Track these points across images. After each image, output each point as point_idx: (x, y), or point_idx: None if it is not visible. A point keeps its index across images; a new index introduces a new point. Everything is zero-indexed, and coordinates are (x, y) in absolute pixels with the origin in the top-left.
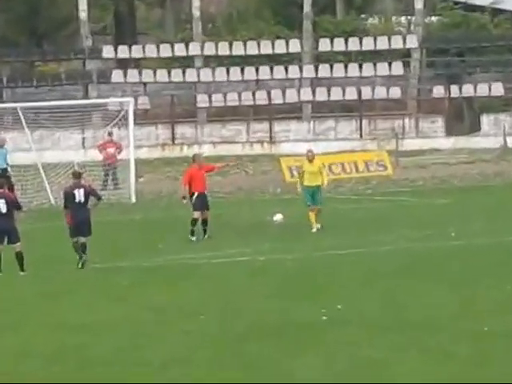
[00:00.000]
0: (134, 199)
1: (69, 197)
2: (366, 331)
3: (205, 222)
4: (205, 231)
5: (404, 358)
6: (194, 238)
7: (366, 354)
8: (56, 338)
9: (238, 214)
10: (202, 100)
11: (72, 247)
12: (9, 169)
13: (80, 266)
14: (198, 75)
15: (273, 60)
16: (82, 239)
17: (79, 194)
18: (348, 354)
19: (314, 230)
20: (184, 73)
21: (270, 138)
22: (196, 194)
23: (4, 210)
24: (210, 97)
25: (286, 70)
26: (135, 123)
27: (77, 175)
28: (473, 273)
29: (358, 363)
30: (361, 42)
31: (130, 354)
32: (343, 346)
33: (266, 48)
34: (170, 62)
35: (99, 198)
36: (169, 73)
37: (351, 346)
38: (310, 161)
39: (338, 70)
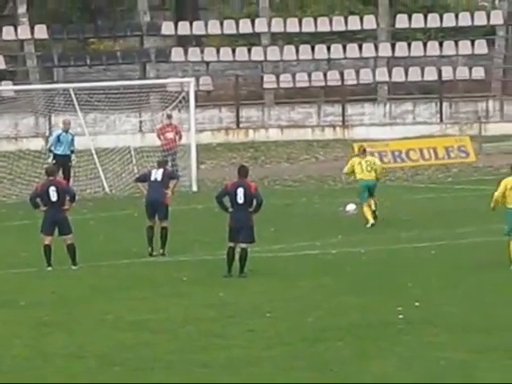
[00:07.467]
0: (195, 188)
1: (146, 174)
2: (446, 331)
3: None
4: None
5: (489, 360)
6: None
7: (446, 356)
8: (112, 337)
9: (308, 204)
10: (268, 80)
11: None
12: (73, 156)
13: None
14: (265, 54)
15: (346, 38)
16: (163, 223)
17: (156, 172)
18: (426, 355)
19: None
20: (249, 51)
21: (343, 121)
22: None
23: (54, 199)
24: (277, 77)
25: (360, 48)
26: (197, 105)
27: (162, 164)
28: None
29: (437, 366)
30: (441, 19)
31: (191, 355)
32: (420, 346)
33: (338, 24)
34: (235, 40)
35: (177, 178)
36: (233, 51)
37: (429, 346)
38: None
39: (417, 49)
